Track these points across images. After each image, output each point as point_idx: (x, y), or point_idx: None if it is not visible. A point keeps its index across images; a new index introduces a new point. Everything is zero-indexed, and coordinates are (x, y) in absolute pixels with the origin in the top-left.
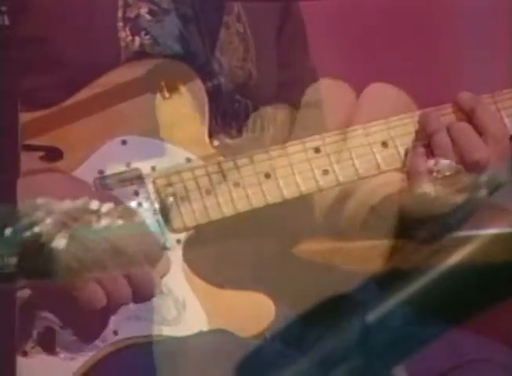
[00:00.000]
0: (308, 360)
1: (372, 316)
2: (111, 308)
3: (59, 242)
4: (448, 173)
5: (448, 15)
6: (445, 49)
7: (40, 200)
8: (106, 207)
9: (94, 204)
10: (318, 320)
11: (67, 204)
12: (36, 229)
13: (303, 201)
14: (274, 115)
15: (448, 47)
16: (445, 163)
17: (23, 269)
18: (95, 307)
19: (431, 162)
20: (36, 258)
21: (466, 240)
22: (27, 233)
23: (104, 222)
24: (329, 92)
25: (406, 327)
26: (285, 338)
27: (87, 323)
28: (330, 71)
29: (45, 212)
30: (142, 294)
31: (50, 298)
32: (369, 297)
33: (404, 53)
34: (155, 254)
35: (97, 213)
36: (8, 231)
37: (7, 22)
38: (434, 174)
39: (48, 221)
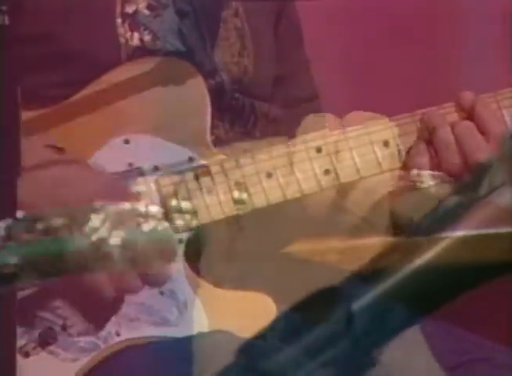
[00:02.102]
0: (297, 347)
1: (356, 305)
2: (120, 297)
3: (115, 242)
4: (431, 183)
5: (449, 14)
6: (446, 49)
7: (97, 204)
8: (153, 209)
9: (141, 207)
10: (305, 310)
11: (119, 207)
12: (100, 233)
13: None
14: (267, 110)
15: (449, 46)
16: (426, 173)
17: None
18: (102, 297)
19: (414, 172)
20: (94, 256)
21: (461, 239)
22: (94, 238)
23: (152, 223)
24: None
25: (388, 313)
26: (276, 331)
27: (97, 309)
28: (330, 72)
29: (104, 215)
30: (153, 281)
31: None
32: (354, 288)
33: (404, 53)
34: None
35: (145, 215)
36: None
37: (7, 21)
38: (418, 184)
39: (107, 224)
